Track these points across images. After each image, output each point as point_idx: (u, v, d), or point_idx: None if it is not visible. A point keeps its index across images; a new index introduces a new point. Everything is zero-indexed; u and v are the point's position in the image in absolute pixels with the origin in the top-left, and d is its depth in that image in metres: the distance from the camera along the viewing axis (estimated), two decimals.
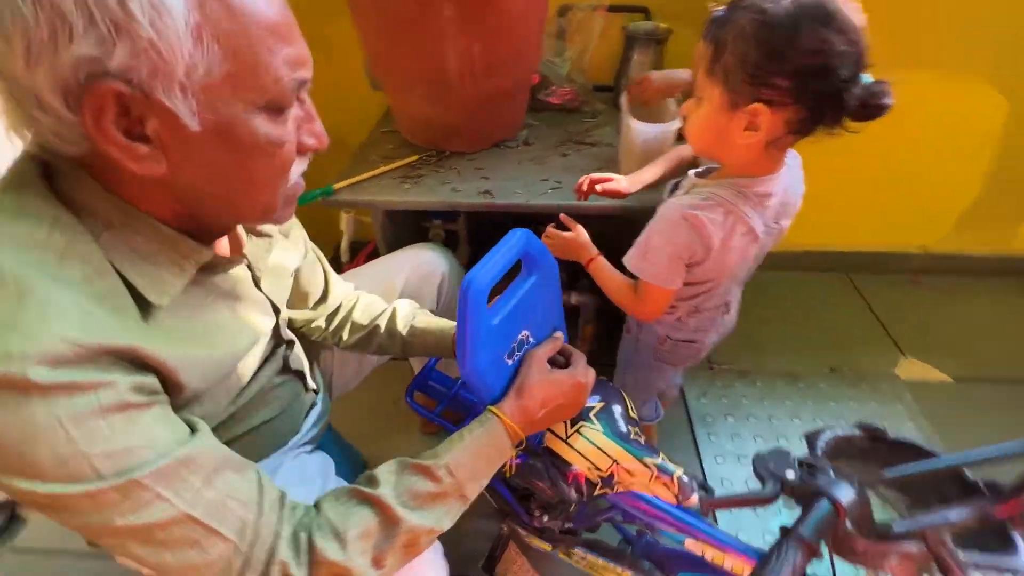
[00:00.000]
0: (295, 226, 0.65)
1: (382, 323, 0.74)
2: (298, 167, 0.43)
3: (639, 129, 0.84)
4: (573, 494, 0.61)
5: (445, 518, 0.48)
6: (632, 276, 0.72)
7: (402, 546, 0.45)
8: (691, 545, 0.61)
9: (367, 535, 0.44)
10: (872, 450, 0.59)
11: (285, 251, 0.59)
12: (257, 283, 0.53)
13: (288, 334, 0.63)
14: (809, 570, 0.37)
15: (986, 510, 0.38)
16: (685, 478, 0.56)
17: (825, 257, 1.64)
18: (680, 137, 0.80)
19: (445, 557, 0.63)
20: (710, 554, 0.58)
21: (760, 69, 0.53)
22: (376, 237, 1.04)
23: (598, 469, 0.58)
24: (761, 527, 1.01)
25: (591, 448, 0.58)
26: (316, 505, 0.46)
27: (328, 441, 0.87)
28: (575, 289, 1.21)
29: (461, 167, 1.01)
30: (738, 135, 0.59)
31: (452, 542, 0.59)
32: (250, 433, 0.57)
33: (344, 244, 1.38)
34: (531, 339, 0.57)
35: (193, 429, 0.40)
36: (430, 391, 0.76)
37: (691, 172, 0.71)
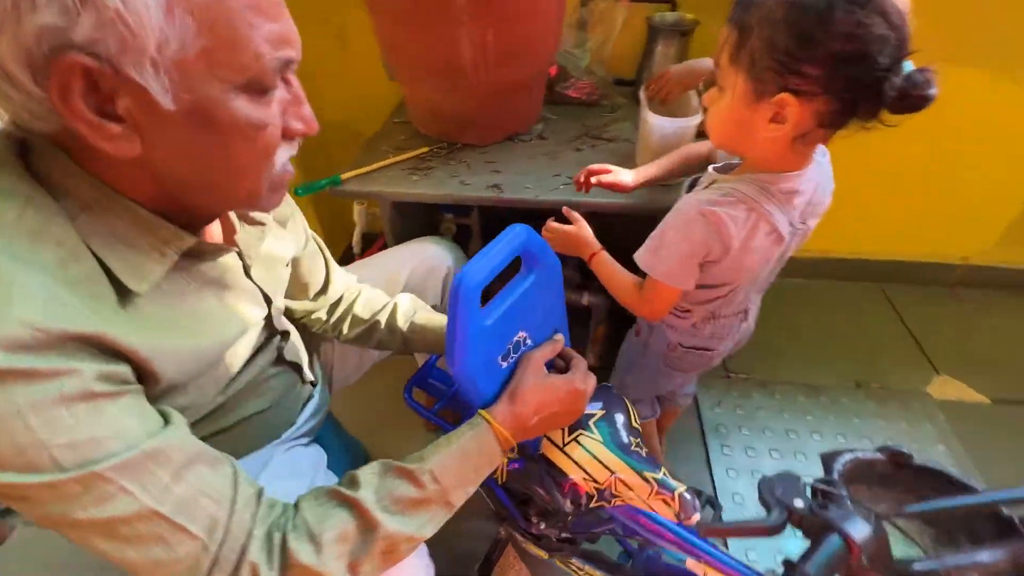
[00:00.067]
0: (294, 215, 0.63)
1: (382, 318, 0.72)
2: (285, 152, 0.41)
3: (656, 123, 0.80)
4: (569, 505, 0.58)
5: (427, 525, 0.45)
6: (638, 273, 0.69)
7: (380, 553, 0.43)
8: (692, 565, 0.57)
9: (343, 539, 0.42)
10: (895, 476, 0.55)
11: (280, 240, 0.57)
12: (248, 272, 0.52)
13: (283, 325, 0.62)
14: None
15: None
16: (687, 496, 0.52)
17: (856, 265, 1.55)
18: (701, 133, 0.76)
19: (442, 557, 0.61)
20: None
21: (789, 56, 0.49)
22: (384, 229, 1.03)
23: (595, 481, 0.55)
24: (773, 546, 0.96)
25: (588, 458, 0.55)
26: (296, 504, 0.44)
27: (329, 434, 0.86)
28: (587, 289, 1.17)
29: (472, 160, 0.98)
30: (763, 128, 0.54)
31: (448, 542, 0.58)
32: (241, 424, 0.56)
33: (356, 235, 1.38)
34: (529, 341, 0.55)
35: (167, 421, 0.39)
36: (430, 389, 0.74)
37: (711, 167, 0.67)
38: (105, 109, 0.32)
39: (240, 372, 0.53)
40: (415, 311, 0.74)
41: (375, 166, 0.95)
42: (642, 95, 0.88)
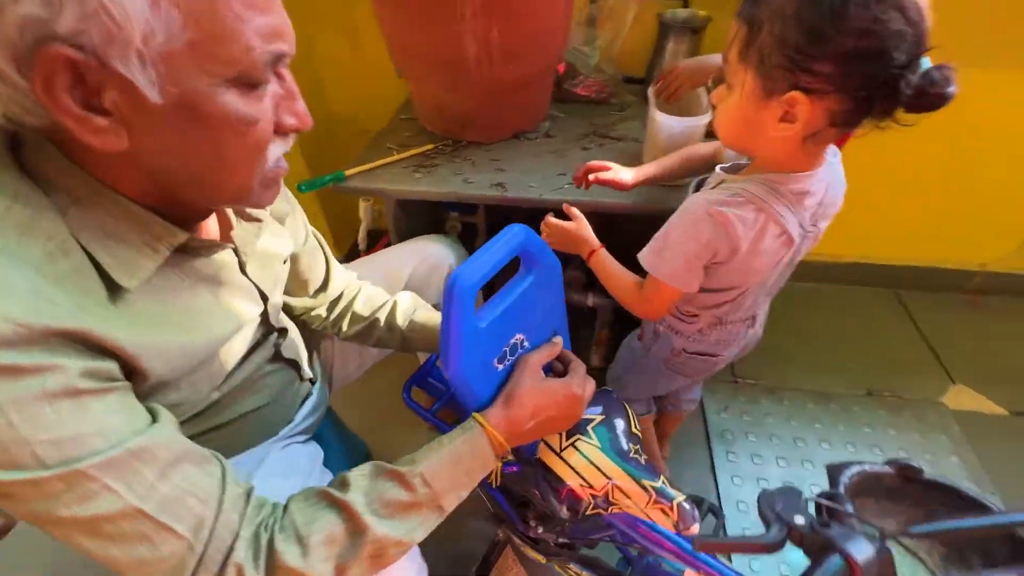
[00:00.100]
0: (294, 211, 0.63)
1: (382, 316, 0.72)
2: (278, 148, 0.40)
3: (663, 122, 0.78)
4: (565, 512, 0.57)
5: (418, 529, 0.45)
6: (640, 272, 0.67)
7: (368, 556, 0.42)
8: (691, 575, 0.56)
9: (331, 542, 0.41)
10: (904, 490, 0.53)
11: (277, 236, 0.57)
12: (243, 268, 0.51)
13: (280, 322, 0.61)
14: None
15: None
16: (686, 505, 0.51)
17: (870, 270, 1.51)
18: (710, 133, 0.74)
19: (440, 558, 0.60)
20: None
21: (799, 52, 0.47)
22: (388, 227, 1.03)
23: (591, 487, 0.54)
24: (777, 557, 0.94)
25: (585, 464, 0.54)
26: (286, 504, 0.44)
27: (329, 431, 0.86)
28: (592, 290, 1.16)
29: (477, 158, 0.97)
30: (772, 127, 0.53)
31: (447, 542, 0.57)
32: (237, 420, 0.56)
33: (362, 232, 1.38)
34: (526, 343, 0.53)
35: (155, 418, 0.38)
36: (429, 388, 0.73)
37: (718, 167, 0.65)
38: (91, 102, 0.31)
39: (236, 369, 0.53)
40: (415, 309, 0.73)
41: (379, 163, 0.95)
42: (650, 93, 0.86)
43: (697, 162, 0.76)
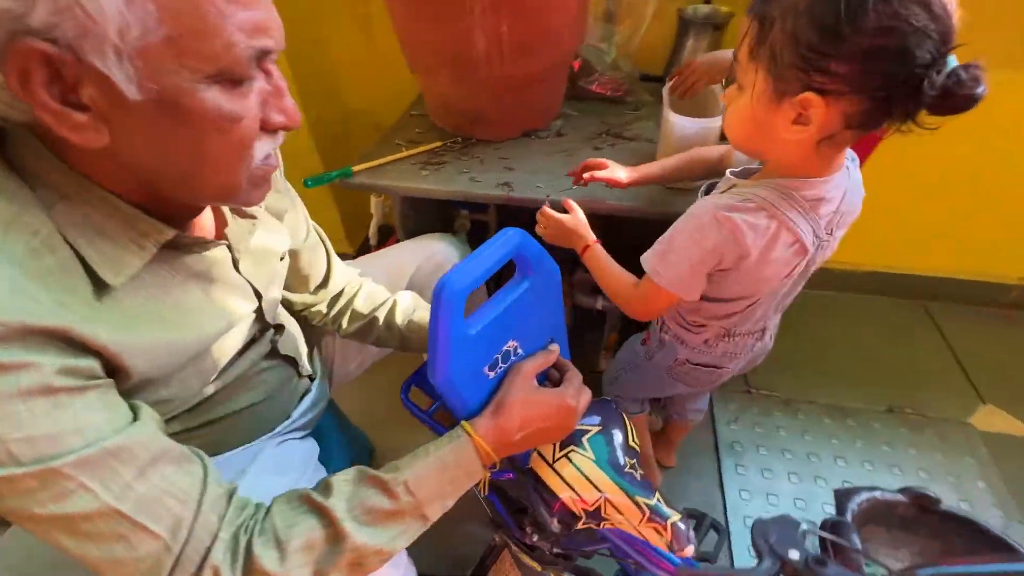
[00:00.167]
0: (294, 207, 0.62)
1: (381, 315, 0.71)
2: (265, 145, 0.39)
3: (677, 123, 0.75)
4: (556, 524, 0.56)
5: (400, 538, 0.44)
6: (640, 274, 0.65)
7: (347, 564, 0.41)
8: None
9: (310, 548, 0.41)
10: (919, 520, 0.49)
11: (273, 233, 0.56)
12: (236, 265, 0.51)
13: (277, 318, 0.61)
14: None
15: None
16: (681, 526, 0.49)
17: (892, 279, 1.44)
18: (724, 136, 0.71)
19: (436, 559, 0.59)
20: None
21: (813, 51, 0.44)
22: (396, 224, 1.02)
23: (583, 501, 0.52)
24: None
25: (578, 476, 0.52)
26: (269, 505, 0.43)
27: (331, 427, 0.86)
28: (602, 294, 1.13)
29: (485, 156, 0.96)
30: (784, 129, 0.49)
31: (444, 545, 0.56)
32: (231, 416, 0.56)
33: (373, 227, 1.37)
34: (520, 351, 0.52)
35: (136, 416, 0.38)
36: (428, 389, 0.72)
37: (729, 172, 0.62)
38: (69, 98, 0.31)
39: (229, 365, 0.53)
40: (415, 309, 0.72)
41: (386, 159, 0.94)
42: (665, 92, 0.83)
43: (702, 165, 0.73)
